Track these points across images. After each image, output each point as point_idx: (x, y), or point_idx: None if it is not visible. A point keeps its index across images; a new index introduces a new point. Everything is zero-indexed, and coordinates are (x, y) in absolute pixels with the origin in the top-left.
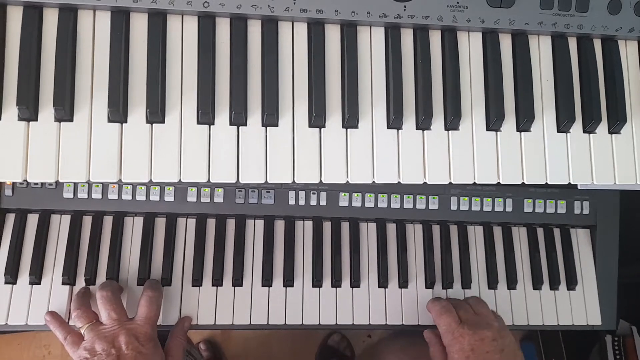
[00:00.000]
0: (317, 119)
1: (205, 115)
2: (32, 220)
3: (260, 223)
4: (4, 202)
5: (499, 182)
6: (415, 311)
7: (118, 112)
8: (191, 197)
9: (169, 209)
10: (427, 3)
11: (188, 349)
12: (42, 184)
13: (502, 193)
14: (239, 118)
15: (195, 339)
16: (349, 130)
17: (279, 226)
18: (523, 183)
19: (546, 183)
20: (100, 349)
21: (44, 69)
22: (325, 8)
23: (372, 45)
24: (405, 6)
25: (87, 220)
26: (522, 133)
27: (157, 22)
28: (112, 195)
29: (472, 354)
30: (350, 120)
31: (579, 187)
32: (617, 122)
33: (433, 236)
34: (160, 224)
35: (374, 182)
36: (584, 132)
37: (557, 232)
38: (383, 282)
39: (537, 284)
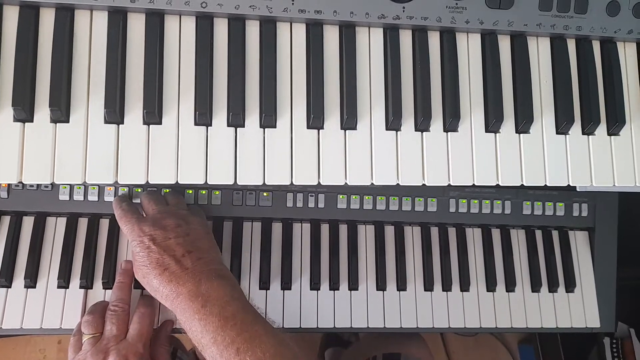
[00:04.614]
0: (315, 120)
1: (203, 116)
2: (28, 223)
3: (257, 225)
4: None
5: (497, 184)
6: (414, 314)
7: (114, 113)
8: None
9: None
10: (425, 4)
11: (179, 355)
12: (38, 185)
13: (500, 195)
14: (236, 119)
15: (189, 344)
16: (347, 131)
17: (277, 228)
18: (522, 185)
19: (545, 185)
20: None
21: (40, 70)
22: (324, 9)
23: (370, 46)
24: (404, 7)
25: (83, 223)
26: (521, 135)
27: (155, 22)
28: (109, 198)
29: (153, 244)
30: (349, 121)
31: (577, 189)
32: (615, 123)
33: (431, 238)
34: None
35: (372, 183)
36: (583, 133)
37: (555, 234)
38: (381, 285)
39: (535, 287)
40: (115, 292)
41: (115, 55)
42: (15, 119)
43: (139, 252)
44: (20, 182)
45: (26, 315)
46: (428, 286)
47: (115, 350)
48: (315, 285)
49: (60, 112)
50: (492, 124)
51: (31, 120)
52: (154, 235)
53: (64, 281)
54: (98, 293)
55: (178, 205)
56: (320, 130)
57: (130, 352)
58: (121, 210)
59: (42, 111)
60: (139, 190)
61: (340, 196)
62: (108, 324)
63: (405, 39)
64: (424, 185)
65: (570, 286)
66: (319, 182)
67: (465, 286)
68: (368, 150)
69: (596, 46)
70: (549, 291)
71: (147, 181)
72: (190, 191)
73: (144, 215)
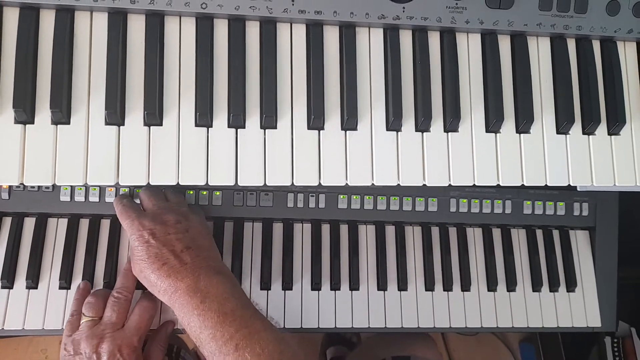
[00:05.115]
0: (315, 120)
1: (203, 117)
2: (29, 224)
3: (258, 226)
4: (1, 205)
5: (498, 184)
6: (415, 314)
7: (115, 114)
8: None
9: None
10: (426, 4)
11: (182, 355)
12: (39, 187)
13: (501, 195)
14: (237, 120)
15: (192, 343)
16: (347, 132)
17: (277, 229)
18: (522, 185)
19: (545, 185)
20: (82, 350)
21: (41, 71)
22: (324, 9)
23: (370, 46)
24: (404, 7)
25: (84, 224)
26: (522, 135)
27: (155, 23)
28: (110, 199)
29: (152, 238)
30: (349, 122)
31: (578, 189)
32: (616, 123)
33: (432, 238)
34: None
35: (373, 184)
36: (583, 133)
37: (556, 233)
38: (382, 285)
39: (536, 286)
40: (120, 279)
41: (116, 56)
42: (16, 121)
43: (137, 247)
44: (22, 184)
45: (28, 316)
46: (429, 286)
47: (110, 338)
48: (316, 285)
49: (61, 113)
50: (493, 124)
51: (32, 122)
52: (154, 230)
53: (65, 282)
54: None
55: (179, 203)
56: (321, 131)
57: (125, 343)
58: (122, 206)
59: (43, 113)
60: (140, 191)
61: (341, 196)
62: (109, 310)
63: (406, 39)
64: (424, 185)
65: (571, 285)
66: (319, 183)
67: (466, 286)
68: (368, 151)
69: (596, 46)
70: (550, 291)
71: (148, 182)
72: (191, 192)
73: (144, 212)
